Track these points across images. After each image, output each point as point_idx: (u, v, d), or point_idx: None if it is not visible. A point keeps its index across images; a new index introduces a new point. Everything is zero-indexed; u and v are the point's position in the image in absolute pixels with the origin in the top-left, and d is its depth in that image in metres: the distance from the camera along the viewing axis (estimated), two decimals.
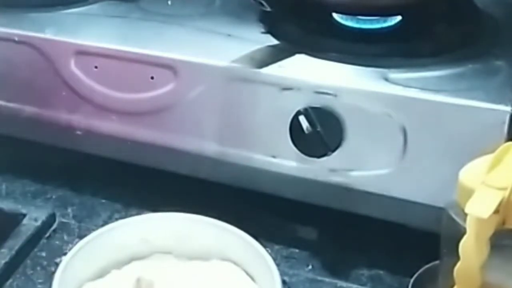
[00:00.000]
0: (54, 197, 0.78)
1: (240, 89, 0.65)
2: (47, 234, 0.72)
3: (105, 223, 0.71)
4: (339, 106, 0.62)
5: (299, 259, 0.69)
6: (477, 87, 0.60)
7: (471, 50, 0.66)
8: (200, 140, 0.68)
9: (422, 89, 0.60)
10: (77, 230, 0.73)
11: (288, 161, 0.65)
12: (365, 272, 0.68)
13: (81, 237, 0.65)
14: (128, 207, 0.76)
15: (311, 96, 0.62)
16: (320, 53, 0.66)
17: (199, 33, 0.71)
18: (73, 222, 0.74)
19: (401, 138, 0.61)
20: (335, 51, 0.66)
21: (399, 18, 0.69)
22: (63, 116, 0.73)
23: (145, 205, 0.74)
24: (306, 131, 0.62)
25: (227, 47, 0.68)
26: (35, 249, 0.70)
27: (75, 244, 0.62)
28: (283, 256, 0.70)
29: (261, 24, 0.72)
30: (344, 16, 0.69)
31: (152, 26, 0.73)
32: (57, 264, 0.62)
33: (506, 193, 0.46)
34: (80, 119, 0.73)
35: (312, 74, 0.63)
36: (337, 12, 0.70)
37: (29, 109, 0.74)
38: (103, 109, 0.71)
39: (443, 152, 0.60)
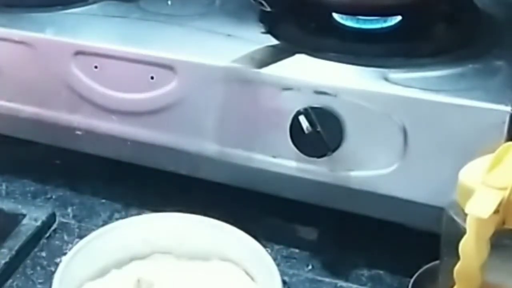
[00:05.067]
0: (54, 197, 0.78)
1: (240, 89, 0.65)
2: (47, 234, 0.72)
3: (105, 223, 0.71)
4: (339, 106, 0.62)
5: (299, 259, 0.69)
6: (477, 87, 0.60)
7: (471, 50, 0.66)
8: (200, 140, 0.68)
9: (422, 89, 0.60)
10: (77, 230, 0.73)
11: (288, 161, 0.65)
12: (365, 272, 0.68)
13: (81, 237, 0.65)
14: (128, 207, 0.76)
15: (311, 96, 0.62)
16: (320, 53, 0.66)
17: (199, 33, 0.71)
18: (73, 222, 0.74)
19: (401, 138, 0.61)
20: (335, 51, 0.66)
21: (399, 18, 0.69)
22: (63, 116, 0.73)
23: (145, 205, 0.74)
24: (306, 131, 0.62)
25: (227, 47, 0.68)
26: (35, 249, 0.70)
27: (75, 244, 0.62)
28: (283, 256, 0.70)
29: (261, 24, 0.72)
30: (344, 16, 0.69)
31: (152, 26, 0.73)
32: (57, 264, 0.62)
33: (506, 193, 0.46)
34: (80, 119, 0.73)
35: (312, 74, 0.63)
36: (337, 12, 0.70)
37: (29, 109, 0.74)
38: (103, 109, 0.71)
39: (443, 152, 0.60)
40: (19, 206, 0.74)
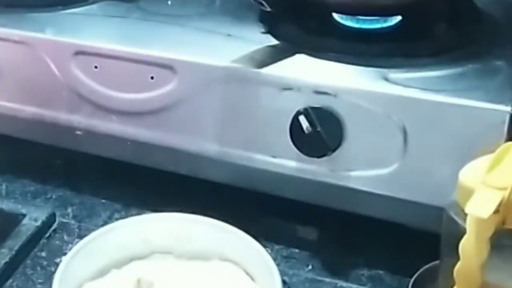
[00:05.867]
0: (54, 197, 0.78)
1: (240, 89, 0.65)
2: (47, 234, 0.72)
3: (105, 223, 0.71)
4: (339, 106, 0.62)
5: (299, 259, 0.69)
6: (477, 87, 0.60)
7: (471, 50, 0.66)
8: (200, 140, 0.68)
9: (422, 89, 0.60)
10: (77, 230, 0.73)
11: (288, 161, 0.65)
12: (365, 272, 0.68)
13: (81, 237, 0.65)
14: (128, 207, 0.76)
15: (311, 96, 0.62)
16: (320, 53, 0.66)
17: (199, 33, 0.71)
18: (73, 222, 0.74)
19: (401, 138, 0.61)
20: (335, 51, 0.66)
21: (399, 18, 0.69)
22: (63, 116, 0.73)
23: (145, 205, 0.74)
24: (306, 131, 0.62)
25: (227, 47, 0.68)
26: (35, 249, 0.70)
27: (75, 244, 0.62)
28: (283, 256, 0.70)
29: (261, 24, 0.72)
30: (344, 16, 0.69)
31: (152, 26, 0.73)
32: (57, 264, 0.62)
33: (506, 193, 0.46)
34: (80, 119, 0.73)
35: (312, 74, 0.63)
36: (337, 12, 0.70)
37: (29, 109, 0.74)
38: (103, 109, 0.71)
39: (443, 152, 0.60)
40: (19, 206, 0.74)
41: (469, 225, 0.46)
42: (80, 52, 0.70)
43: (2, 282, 0.66)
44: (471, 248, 0.46)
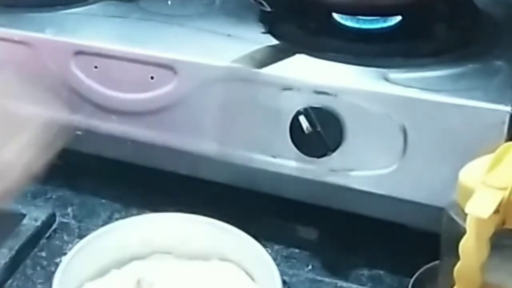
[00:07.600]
0: (54, 197, 0.78)
1: (240, 89, 0.65)
2: (47, 234, 0.72)
3: (105, 223, 0.71)
4: (339, 106, 0.62)
5: (299, 259, 0.69)
6: (477, 87, 0.60)
7: (471, 50, 0.66)
8: (200, 140, 0.68)
9: (422, 89, 0.60)
10: (77, 230, 0.73)
11: (288, 161, 0.65)
12: (365, 272, 0.68)
13: (81, 237, 0.65)
14: (128, 207, 0.76)
15: (311, 96, 0.62)
16: (320, 53, 0.66)
17: (199, 33, 0.71)
18: (73, 222, 0.74)
19: (401, 138, 0.61)
20: (335, 51, 0.66)
21: (399, 18, 0.69)
22: (63, 116, 0.73)
23: (145, 205, 0.74)
24: (306, 131, 0.62)
25: (227, 47, 0.68)
26: (35, 249, 0.70)
27: (75, 244, 0.62)
28: (283, 256, 0.70)
29: (261, 24, 0.72)
30: (344, 16, 0.69)
31: (152, 26, 0.73)
32: (57, 264, 0.62)
33: (506, 193, 0.46)
34: (80, 119, 0.72)
35: (312, 74, 0.63)
36: (337, 12, 0.70)
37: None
38: (103, 109, 0.71)
39: (443, 152, 0.60)
40: (19, 206, 0.74)
41: (469, 225, 0.46)
42: (80, 52, 0.70)
43: (2, 282, 0.66)
44: (471, 248, 0.46)
